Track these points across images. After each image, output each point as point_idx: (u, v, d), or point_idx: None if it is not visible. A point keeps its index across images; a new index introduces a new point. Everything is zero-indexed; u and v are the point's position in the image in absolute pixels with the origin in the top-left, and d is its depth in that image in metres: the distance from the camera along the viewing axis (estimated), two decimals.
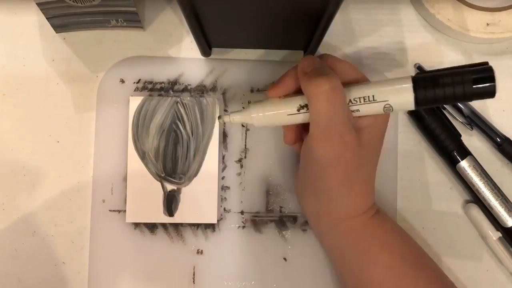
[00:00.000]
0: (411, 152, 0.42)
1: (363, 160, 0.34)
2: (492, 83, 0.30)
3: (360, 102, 0.32)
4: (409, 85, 0.31)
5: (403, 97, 0.32)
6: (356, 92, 0.33)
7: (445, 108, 0.42)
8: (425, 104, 0.32)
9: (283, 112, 0.34)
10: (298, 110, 0.34)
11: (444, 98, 0.31)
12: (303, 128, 0.37)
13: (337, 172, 0.33)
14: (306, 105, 0.33)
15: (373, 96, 0.32)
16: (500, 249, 0.40)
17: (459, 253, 0.42)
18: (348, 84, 0.33)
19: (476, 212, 0.41)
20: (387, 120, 0.35)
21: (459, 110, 0.42)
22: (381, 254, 0.34)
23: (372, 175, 0.36)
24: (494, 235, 0.40)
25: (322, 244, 0.39)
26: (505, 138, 0.41)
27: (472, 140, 0.43)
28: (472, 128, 0.42)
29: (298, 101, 0.34)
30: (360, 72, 0.35)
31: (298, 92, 0.35)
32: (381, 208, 0.37)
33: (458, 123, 0.42)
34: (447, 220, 0.42)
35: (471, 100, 0.32)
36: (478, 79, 0.30)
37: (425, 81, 0.31)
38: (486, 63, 0.31)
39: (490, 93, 0.30)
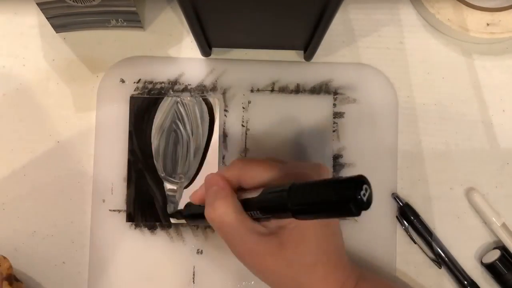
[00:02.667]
0: (411, 152, 0.42)
1: (296, 255, 0.32)
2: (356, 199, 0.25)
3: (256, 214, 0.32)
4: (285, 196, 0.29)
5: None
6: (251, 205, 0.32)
7: (415, 243, 0.41)
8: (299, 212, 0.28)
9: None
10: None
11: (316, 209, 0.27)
12: None
13: (269, 276, 0.34)
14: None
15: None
16: (505, 235, 0.40)
17: (460, 252, 0.42)
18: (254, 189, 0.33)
19: (479, 199, 0.41)
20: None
21: (430, 246, 0.41)
22: None
23: (328, 256, 0.34)
24: (498, 221, 0.40)
25: None
26: (471, 282, 0.40)
27: (442, 279, 0.42)
28: (441, 267, 0.41)
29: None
30: (273, 167, 0.33)
31: None
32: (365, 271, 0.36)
33: (427, 259, 0.41)
34: (447, 220, 0.42)
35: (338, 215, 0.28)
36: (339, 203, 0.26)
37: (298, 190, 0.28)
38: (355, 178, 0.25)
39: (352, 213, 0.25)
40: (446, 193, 0.42)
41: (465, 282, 0.40)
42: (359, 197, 0.24)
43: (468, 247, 0.42)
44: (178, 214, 0.40)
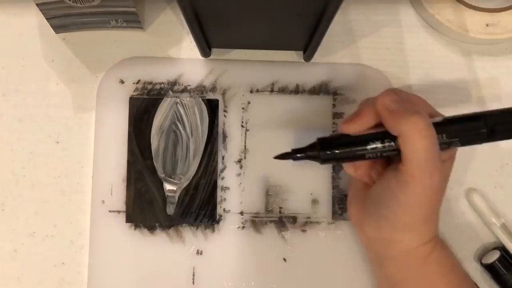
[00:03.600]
0: None
1: (444, 193, 0.34)
2: None
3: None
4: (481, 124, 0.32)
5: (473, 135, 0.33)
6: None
7: None
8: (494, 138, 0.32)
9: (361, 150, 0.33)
10: (382, 148, 0.32)
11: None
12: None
13: (425, 207, 0.33)
14: (389, 142, 0.32)
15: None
16: (504, 235, 0.40)
17: (459, 253, 0.42)
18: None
19: (478, 199, 0.41)
20: (455, 152, 0.35)
21: None
22: (441, 282, 0.35)
23: (440, 206, 0.35)
24: (497, 221, 0.40)
25: (374, 266, 0.39)
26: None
27: None
28: None
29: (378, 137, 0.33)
30: (429, 104, 0.35)
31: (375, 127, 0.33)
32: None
33: None
34: (446, 220, 0.42)
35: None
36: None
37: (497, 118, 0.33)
38: None
39: None
40: (445, 194, 0.42)
41: None
42: None
43: (467, 248, 0.42)
44: (303, 151, 0.35)
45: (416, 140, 0.30)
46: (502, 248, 0.41)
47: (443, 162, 0.33)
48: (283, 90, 0.42)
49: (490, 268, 0.40)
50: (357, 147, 0.33)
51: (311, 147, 0.34)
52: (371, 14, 0.44)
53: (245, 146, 0.42)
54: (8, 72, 0.43)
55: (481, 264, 0.41)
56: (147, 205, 0.41)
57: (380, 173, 0.36)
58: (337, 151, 0.33)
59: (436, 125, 0.32)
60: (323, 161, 0.34)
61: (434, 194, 0.32)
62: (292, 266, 0.41)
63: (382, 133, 0.32)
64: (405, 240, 0.34)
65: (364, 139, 0.33)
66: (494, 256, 0.40)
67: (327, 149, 0.34)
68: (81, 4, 0.38)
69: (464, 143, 0.33)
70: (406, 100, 0.33)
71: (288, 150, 0.35)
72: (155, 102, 0.41)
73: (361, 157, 0.33)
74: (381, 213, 0.34)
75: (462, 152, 0.42)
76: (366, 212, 0.36)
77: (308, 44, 0.39)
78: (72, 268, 0.41)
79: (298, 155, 0.35)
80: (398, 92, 0.34)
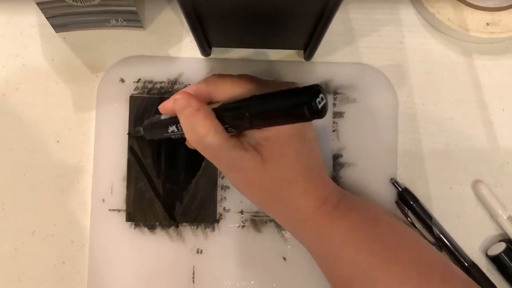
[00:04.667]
0: (411, 152, 0.42)
1: (277, 171, 0.33)
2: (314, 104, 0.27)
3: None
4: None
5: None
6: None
7: (415, 227, 0.41)
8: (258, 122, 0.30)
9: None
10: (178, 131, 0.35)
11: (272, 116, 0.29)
12: None
13: (255, 192, 0.34)
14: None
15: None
16: (510, 227, 0.40)
17: (465, 244, 0.42)
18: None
19: (485, 191, 0.41)
20: (299, 126, 0.33)
21: (430, 230, 0.41)
22: (346, 250, 0.33)
23: (308, 171, 0.34)
24: (504, 213, 0.41)
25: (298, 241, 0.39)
26: (472, 264, 0.41)
27: None
28: (442, 250, 0.41)
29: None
30: (243, 83, 0.33)
31: None
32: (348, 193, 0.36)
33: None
34: (447, 218, 0.42)
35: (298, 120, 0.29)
36: (295, 107, 0.28)
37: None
38: (312, 86, 0.28)
39: (310, 112, 0.27)
40: (446, 193, 0.42)
41: (466, 264, 0.40)
42: (314, 103, 0.26)
43: (473, 240, 0.42)
44: (137, 131, 0.40)
45: (188, 132, 0.32)
46: (508, 240, 0.41)
47: (263, 142, 0.33)
48: None
49: (495, 260, 0.40)
50: (162, 130, 0.37)
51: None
52: (371, 13, 0.44)
53: None
54: (8, 71, 0.43)
55: (487, 256, 0.41)
56: (147, 204, 0.41)
57: None
58: (150, 132, 0.38)
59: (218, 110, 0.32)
60: (147, 136, 0.39)
61: (248, 177, 0.33)
62: (292, 265, 0.41)
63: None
64: (289, 214, 0.35)
65: (166, 123, 0.36)
66: (500, 248, 0.40)
67: (145, 130, 0.39)
68: (81, 3, 0.38)
69: (237, 129, 0.32)
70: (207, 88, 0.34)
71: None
72: (155, 101, 0.41)
73: (169, 138, 0.37)
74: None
75: (463, 152, 0.42)
76: None
77: (308, 43, 0.39)
78: (72, 267, 0.41)
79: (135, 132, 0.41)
80: (209, 78, 0.35)
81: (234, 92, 0.33)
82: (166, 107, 0.35)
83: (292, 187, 0.33)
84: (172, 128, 0.35)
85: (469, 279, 0.34)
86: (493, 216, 0.41)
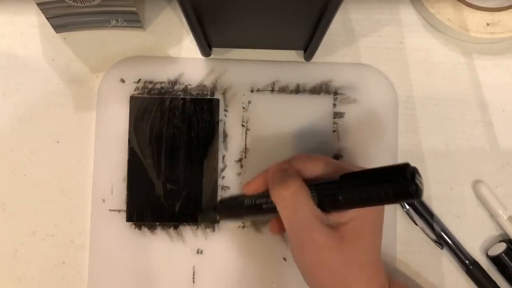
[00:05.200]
0: (411, 152, 0.42)
1: (353, 253, 0.32)
2: (413, 188, 0.27)
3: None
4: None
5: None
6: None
7: (417, 224, 0.41)
8: (348, 205, 0.31)
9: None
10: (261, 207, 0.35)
11: (369, 200, 0.30)
12: None
13: (322, 272, 0.33)
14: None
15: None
16: (511, 227, 0.40)
17: (466, 245, 0.42)
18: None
19: (486, 191, 0.41)
20: (379, 209, 0.34)
21: (431, 227, 0.41)
22: None
23: (376, 258, 0.34)
24: (504, 214, 0.41)
25: None
26: (473, 262, 0.41)
27: (442, 260, 0.42)
28: (443, 248, 0.41)
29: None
30: (333, 163, 0.34)
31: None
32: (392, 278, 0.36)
33: (428, 241, 0.41)
34: (447, 219, 0.42)
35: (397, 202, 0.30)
36: (397, 193, 0.28)
37: (350, 179, 0.31)
38: (406, 166, 0.28)
39: (412, 196, 0.27)
40: (446, 193, 0.42)
41: (467, 262, 0.40)
42: (415, 185, 0.26)
43: (474, 240, 0.42)
44: (210, 211, 0.40)
45: (281, 209, 0.32)
46: (509, 241, 0.41)
47: (347, 222, 0.32)
48: (283, 90, 0.42)
49: (496, 260, 0.40)
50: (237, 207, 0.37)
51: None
52: (371, 13, 0.44)
53: (245, 145, 0.42)
54: (8, 71, 0.43)
55: (487, 256, 0.41)
56: (148, 204, 0.41)
57: None
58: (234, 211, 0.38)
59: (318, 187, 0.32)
60: (221, 218, 0.40)
61: (322, 257, 0.32)
62: (292, 266, 0.41)
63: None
64: None
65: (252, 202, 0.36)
66: (500, 248, 0.40)
67: (227, 209, 0.39)
68: (81, 3, 0.38)
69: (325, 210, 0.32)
70: (293, 167, 0.34)
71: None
72: (155, 101, 0.41)
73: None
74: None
75: (463, 152, 0.42)
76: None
77: (308, 44, 0.39)
78: (73, 267, 0.41)
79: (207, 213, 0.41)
80: (296, 157, 0.35)
81: (321, 171, 0.33)
82: (253, 185, 0.36)
83: (361, 273, 0.33)
84: (260, 200, 0.35)
85: None
86: (493, 216, 0.41)
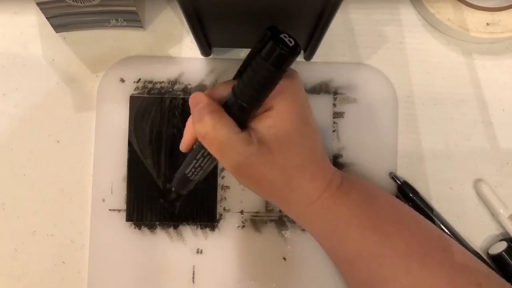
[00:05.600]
0: (411, 152, 0.42)
1: (285, 158, 0.33)
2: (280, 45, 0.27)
3: None
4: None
5: None
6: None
7: None
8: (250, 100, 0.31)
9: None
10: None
11: (260, 85, 0.30)
12: None
13: (266, 187, 0.33)
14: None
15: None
16: None
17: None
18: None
19: (486, 190, 0.41)
20: (293, 101, 0.33)
21: (431, 221, 0.40)
22: (350, 229, 0.34)
23: (313, 155, 0.34)
24: (505, 212, 0.40)
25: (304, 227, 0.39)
26: (475, 253, 0.40)
27: None
28: None
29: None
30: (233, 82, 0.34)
31: None
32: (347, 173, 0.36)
33: None
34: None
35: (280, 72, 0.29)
36: (273, 60, 0.28)
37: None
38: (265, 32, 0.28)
39: (285, 53, 0.28)
40: (446, 193, 0.42)
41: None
42: (283, 40, 0.27)
43: (474, 238, 0.42)
44: (172, 193, 0.40)
45: (207, 146, 0.32)
46: (510, 239, 0.41)
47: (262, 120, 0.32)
48: None
49: (497, 259, 0.40)
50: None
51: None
52: (371, 13, 0.44)
53: None
54: (8, 71, 0.43)
55: (488, 254, 0.41)
56: (147, 203, 0.41)
57: None
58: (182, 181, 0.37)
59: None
60: (179, 191, 0.38)
61: (252, 160, 0.32)
62: (292, 266, 0.41)
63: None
64: (293, 202, 0.35)
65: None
66: (501, 247, 0.40)
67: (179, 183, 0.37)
68: (81, 3, 0.38)
69: (242, 121, 0.32)
70: (204, 99, 0.33)
71: None
72: (155, 101, 0.41)
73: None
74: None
75: (463, 152, 0.42)
76: None
77: (308, 44, 0.39)
78: (73, 267, 0.41)
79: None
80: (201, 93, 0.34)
81: (228, 90, 0.33)
82: (185, 142, 0.36)
83: (300, 173, 0.33)
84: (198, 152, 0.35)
85: (464, 249, 0.35)
86: (494, 215, 0.41)
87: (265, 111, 0.32)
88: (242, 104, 0.31)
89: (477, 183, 0.42)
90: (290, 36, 0.28)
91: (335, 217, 0.34)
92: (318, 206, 0.34)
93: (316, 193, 0.34)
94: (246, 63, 0.30)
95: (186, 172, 0.35)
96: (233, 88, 0.31)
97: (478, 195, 0.42)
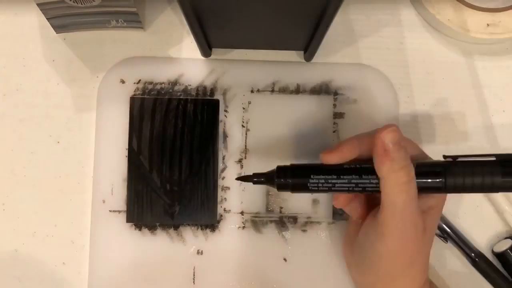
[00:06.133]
0: None
1: (426, 243, 0.33)
2: None
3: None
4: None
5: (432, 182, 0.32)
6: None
7: None
8: (454, 191, 0.32)
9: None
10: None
11: (472, 187, 0.31)
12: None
13: (403, 258, 0.32)
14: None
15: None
16: None
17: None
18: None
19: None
20: (444, 199, 0.34)
21: None
22: None
23: (429, 253, 0.35)
24: (511, 210, 0.41)
25: None
26: (479, 254, 0.41)
27: (446, 254, 0.42)
28: (447, 241, 0.41)
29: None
30: (419, 148, 0.34)
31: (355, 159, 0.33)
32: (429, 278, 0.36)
33: None
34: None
35: (498, 191, 0.31)
36: (507, 172, 0.30)
37: (458, 167, 0.31)
38: None
39: None
40: None
41: (472, 255, 0.40)
42: None
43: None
44: (261, 177, 0.35)
45: (396, 193, 0.30)
46: None
47: (428, 211, 0.33)
48: (283, 90, 0.42)
49: (501, 257, 0.40)
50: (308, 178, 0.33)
51: (270, 173, 0.35)
52: (371, 13, 0.44)
53: (245, 146, 0.42)
54: (8, 72, 0.43)
55: (493, 252, 0.41)
56: (148, 204, 0.41)
57: (362, 214, 0.36)
58: (290, 180, 0.34)
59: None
60: (279, 187, 0.35)
61: (411, 245, 0.32)
62: (293, 266, 0.41)
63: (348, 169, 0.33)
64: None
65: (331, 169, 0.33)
66: (506, 245, 0.40)
67: (283, 177, 0.34)
68: (81, 4, 0.38)
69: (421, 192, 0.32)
70: (403, 142, 0.33)
71: (250, 173, 0.36)
72: (155, 102, 0.41)
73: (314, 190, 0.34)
74: (363, 261, 0.34)
75: (463, 151, 0.42)
76: (353, 256, 0.36)
77: (308, 44, 0.39)
78: (73, 268, 0.41)
79: (256, 179, 0.36)
80: (399, 131, 0.33)
81: (413, 154, 0.33)
82: (343, 152, 0.33)
83: (424, 264, 0.34)
84: (363, 181, 0.32)
85: None
86: (499, 212, 0.41)
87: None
88: (443, 182, 0.31)
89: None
90: None
91: None
92: None
93: (419, 283, 0.34)
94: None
95: (313, 177, 0.33)
96: (450, 162, 0.31)
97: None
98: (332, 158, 0.33)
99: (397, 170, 0.30)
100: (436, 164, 0.32)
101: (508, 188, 0.30)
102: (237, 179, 0.37)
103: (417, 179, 0.31)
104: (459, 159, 0.32)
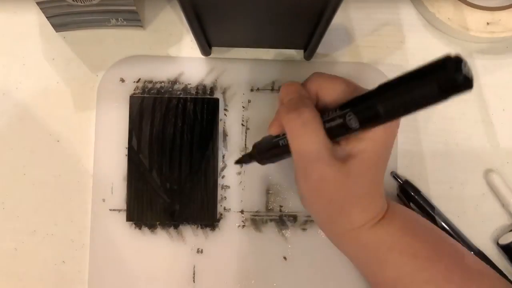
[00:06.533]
0: (411, 152, 0.42)
1: (355, 187, 0.32)
2: (460, 76, 0.24)
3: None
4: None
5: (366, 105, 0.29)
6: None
7: None
8: (392, 113, 0.28)
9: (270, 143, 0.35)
10: (278, 140, 0.34)
11: (414, 104, 0.27)
12: None
13: (321, 202, 0.33)
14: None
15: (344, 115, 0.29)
16: None
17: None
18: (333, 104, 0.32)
19: (497, 180, 0.41)
20: (389, 137, 0.32)
21: (433, 220, 0.41)
22: (390, 255, 0.33)
23: (375, 188, 0.33)
24: None
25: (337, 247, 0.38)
26: (478, 251, 0.41)
27: None
28: None
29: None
30: (353, 85, 0.32)
31: None
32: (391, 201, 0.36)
33: None
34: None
35: (445, 99, 0.27)
36: (443, 85, 0.26)
37: (389, 88, 0.29)
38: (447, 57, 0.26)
39: (460, 86, 0.25)
40: (446, 192, 0.42)
41: (472, 252, 0.40)
42: (462, 71, 0.24)
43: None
44: (246, 157, 0.39)
45: (292, 138, 0.31)
46: None
47: (357, 154, 0.31)
48: None
49: (506, 249, 0.41)
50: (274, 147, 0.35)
51: (252, 152, 0.38)
52: (371, 12, 0.44)
53: (245, 144, 0.42)
54: (8, 70, 0.43)
55: (498, 245, 0.41)
56: (148, 203, 0.41)
57: None
58: (265, 153, 0.37)
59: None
60: (260, 163, 0.38)
61: (332, 186, 0.31)
62: (293, 265, 0.41)
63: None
64: (341, 224, 0.34)
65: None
66: (511, 237, 0.40)
67: (260, 153, 0.37)
68: (81, 2, 0.38)
69: (344, 135, 0.30)
70: (308, 88, 0.33)
71: (248, 165, 0.41)
72: (155, 100, 0.41)
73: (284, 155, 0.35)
74: (304, 196, 0.35)
75: (463, 152, 0.42)
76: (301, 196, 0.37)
77: (308, 43, 0.39)
78: (73, 266, 0.41)
79: (244, 159, 0.40)
80: (312, 77, 0.33)
81: (339, 94, 0.32)
82: (276, 125, 0.34)
83: (358, 203, 0.33)
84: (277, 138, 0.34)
85: (495, 272, 0.35)
86: (504, 205, 0.42)
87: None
88: (378, 111, 0.28)
89: (487, 173, 0.42)
90: (467, 68, 0.25)
91: (375, 244, 0.34)
92: (359, 233, 0.34)
93: (361, 222, 0.33)
94: (404, 76, 0.28)
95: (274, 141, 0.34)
96: (373, 91, 0.29)
97: (488, 185, 0.42)
98: (271, 130, 0.34)
99: (288, 116, 0.30)
100: (366, 93, 0.29)
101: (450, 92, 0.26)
102: (235, 163, 0.41)
103: (334, 121, 0.30)
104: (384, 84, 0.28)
